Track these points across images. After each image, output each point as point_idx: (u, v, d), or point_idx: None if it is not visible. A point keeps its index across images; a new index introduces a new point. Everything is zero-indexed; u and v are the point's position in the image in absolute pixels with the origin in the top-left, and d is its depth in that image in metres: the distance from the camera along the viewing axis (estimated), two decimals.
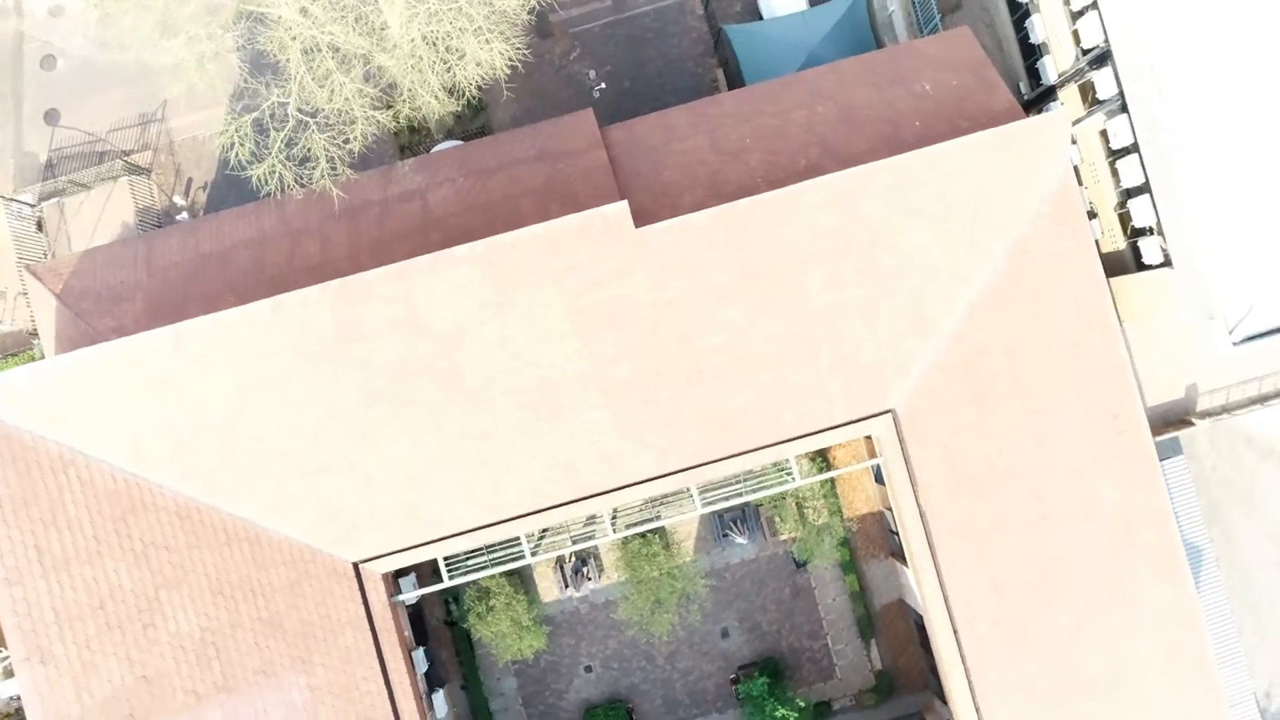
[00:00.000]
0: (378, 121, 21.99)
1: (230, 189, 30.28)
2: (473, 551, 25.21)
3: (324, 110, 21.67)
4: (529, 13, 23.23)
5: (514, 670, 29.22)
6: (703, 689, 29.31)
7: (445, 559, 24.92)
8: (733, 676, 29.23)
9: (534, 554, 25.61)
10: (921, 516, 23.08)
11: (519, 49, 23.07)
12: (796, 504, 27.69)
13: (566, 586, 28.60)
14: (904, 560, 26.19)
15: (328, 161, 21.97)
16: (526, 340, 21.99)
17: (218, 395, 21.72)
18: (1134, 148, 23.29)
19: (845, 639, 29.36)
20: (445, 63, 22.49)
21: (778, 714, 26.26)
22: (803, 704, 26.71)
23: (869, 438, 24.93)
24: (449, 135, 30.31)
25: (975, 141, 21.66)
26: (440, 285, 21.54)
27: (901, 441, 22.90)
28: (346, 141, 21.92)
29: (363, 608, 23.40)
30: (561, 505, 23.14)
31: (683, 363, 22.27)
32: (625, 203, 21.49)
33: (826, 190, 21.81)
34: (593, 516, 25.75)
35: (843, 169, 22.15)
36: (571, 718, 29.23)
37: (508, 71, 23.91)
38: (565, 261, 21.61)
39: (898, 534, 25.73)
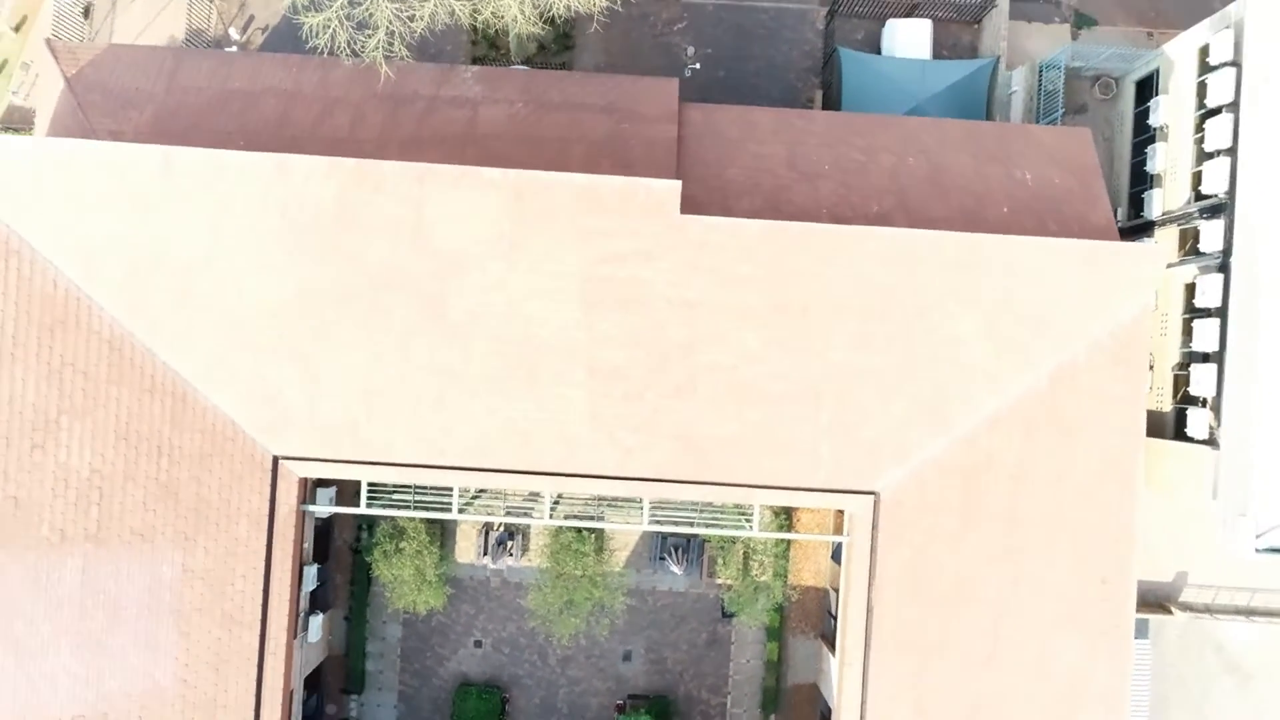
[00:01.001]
0: (453, 10, 20.15)
1: (288, 39, 28.52)
2: (401, 487, 23.50)
3: None
4: None
5: (403, 619, 27.48)
6: (585, 704, 27.59)
7: (370, 485, 23.20)
8: (620, 702, 27.49)
9: (462, 511, 23.89)
10: (868, 611, 21.37)
11: None
12: (745, 553, 25.95)
13: (485, 554, 26.86)
14: (833, 648, 24.47)
15: (388, 34, 20.16)
16: (528, 291, 20.24)
17: (190, 236, 19.98)
18: (1219, 311, 21.50)
19: (746, 705, 27.62)
20: None
21: None
22: None
23: (841, 512, 23.21)
24: (526, 62, 28.56)
25: (1062, 247, 19.89)
26: (458, 202, 19.78)
27: (875, 528, 21.18)
28: (413, 19, 20.10)
29: (268, 504, 21.69)
30: (507, 472, 21.43)
31: (679, 370, 20.53)
32: (679, 184, 19.74)
33: (889, 243, 20.04)
34: (535, 493, 24.02)
35: (913, 228, 20.39)
36: (444, 686, 27.51)
37: (605, 13, 22.14)
38: (596, 223, 19.85)
39: (836, 618, 24.00)
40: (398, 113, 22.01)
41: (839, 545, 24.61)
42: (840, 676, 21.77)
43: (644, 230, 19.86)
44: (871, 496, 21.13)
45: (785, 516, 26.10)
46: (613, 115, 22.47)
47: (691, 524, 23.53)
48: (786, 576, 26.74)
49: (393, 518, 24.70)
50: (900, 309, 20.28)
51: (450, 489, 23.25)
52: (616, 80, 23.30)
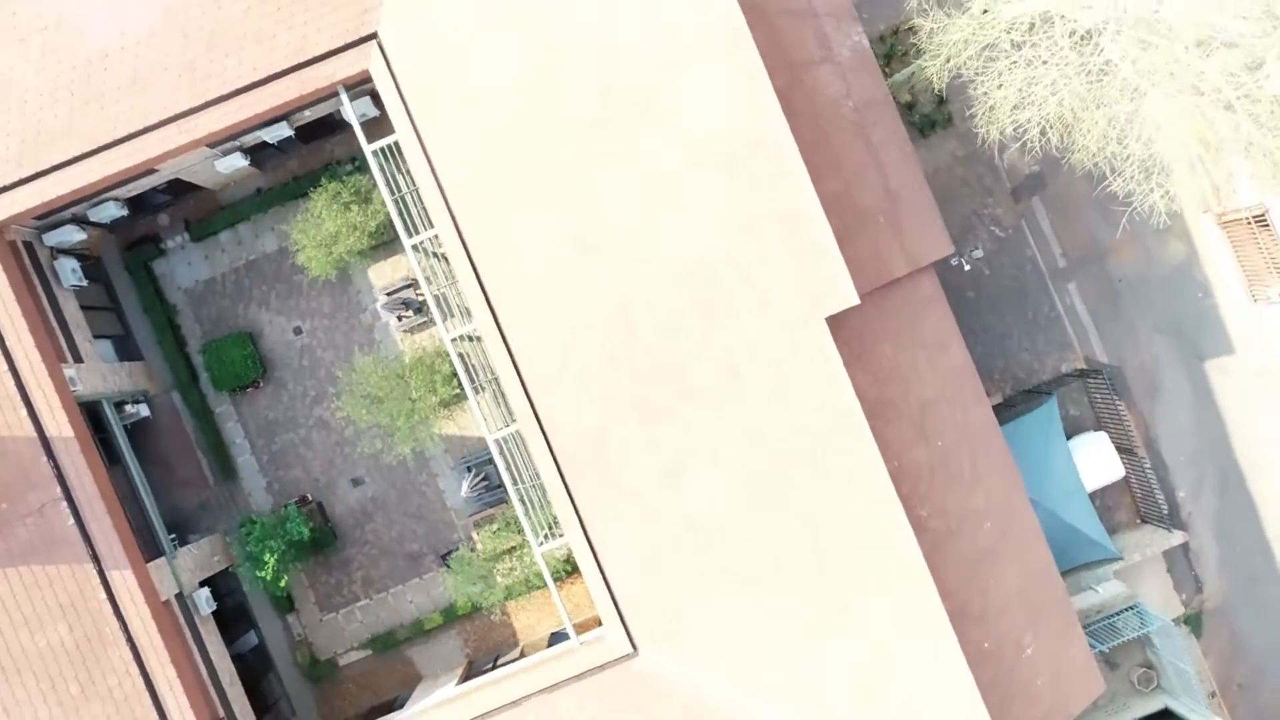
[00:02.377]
0: None
1: None
2: None
3: None
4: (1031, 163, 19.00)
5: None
6: (296, 469, 25.24)
7: None
8: (304, 496, 25.19)
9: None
10: None
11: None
12: (513, 547, 23.63)
13: (388, 298, 24.46)
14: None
15: None
16: None
17: None
18: None
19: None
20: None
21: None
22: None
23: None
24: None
25: None
26: None
27: None
28: None
29: None
30: None
31: None
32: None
33: None
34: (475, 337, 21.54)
35: None
36: (212, 333, 25.03)
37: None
38: None
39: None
40: None
41: (564, 637, 22.31)
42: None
43: None
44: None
45: (571, 569, 23.76)
46: (878, 206, 20.05)
47: (515, 484, 21.12)
48: (507, 598, 24.35)
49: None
50: None
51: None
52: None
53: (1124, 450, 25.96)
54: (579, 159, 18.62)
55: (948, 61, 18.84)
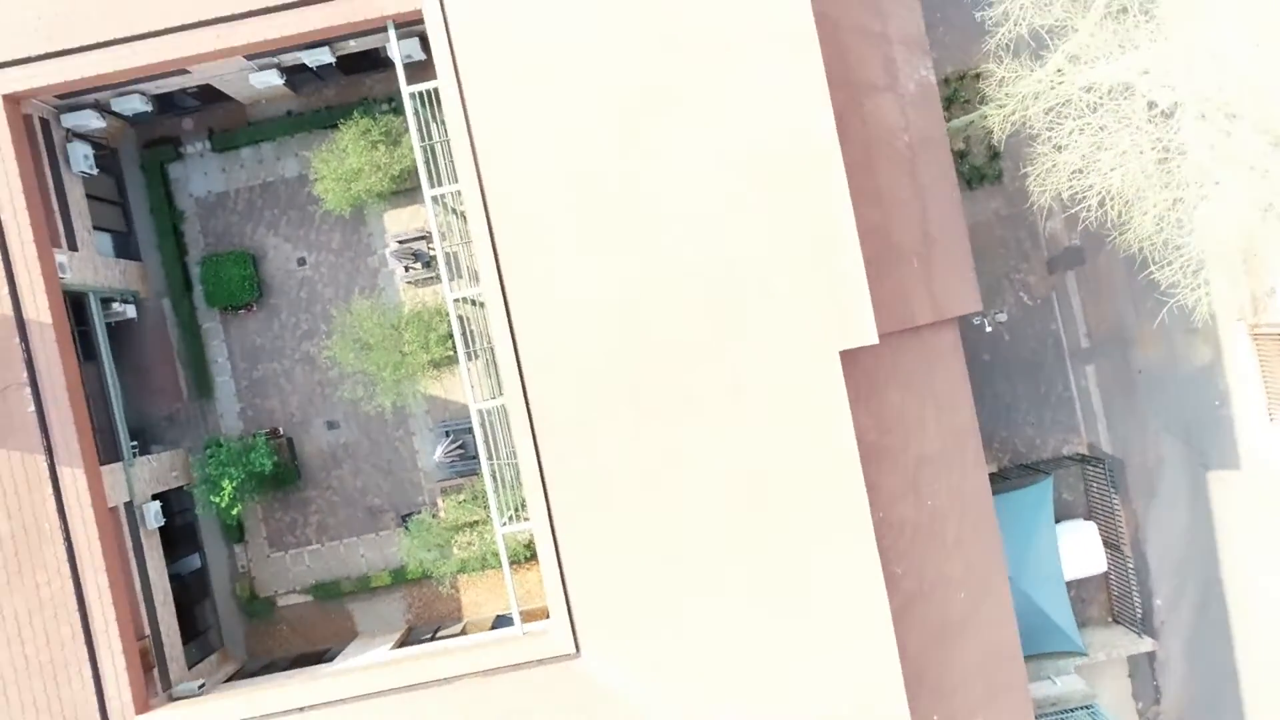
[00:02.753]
0: None
1: None
2: None
3: None
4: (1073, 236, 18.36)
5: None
6: (271, 399, 24.59)
7: None
8: (274, 428, 24.53)
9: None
10: None
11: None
12: (476, 521, 22.96)
13: (399, 245, 23.81)
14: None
15: None
16: None
17: None
18: None
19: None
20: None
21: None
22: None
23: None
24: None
25: None
26: None
27: None
28: None
29: None
30: None
31: None
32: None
33: None
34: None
35: None
36: (215, 247, 24.39)
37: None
38: None
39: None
40: None
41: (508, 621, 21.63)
42: None
43: None
44: None
45: (530, 554, 23.11)
46: (911, 250, 19.38)
47: (490, 458, 20.46)
48: (460, 572, 23.65)
49: None
50: None
51: None
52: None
53: (1110, 545, 25.29)
54: (619, 142, 17.94)
55: (1014, 113, 18.18)
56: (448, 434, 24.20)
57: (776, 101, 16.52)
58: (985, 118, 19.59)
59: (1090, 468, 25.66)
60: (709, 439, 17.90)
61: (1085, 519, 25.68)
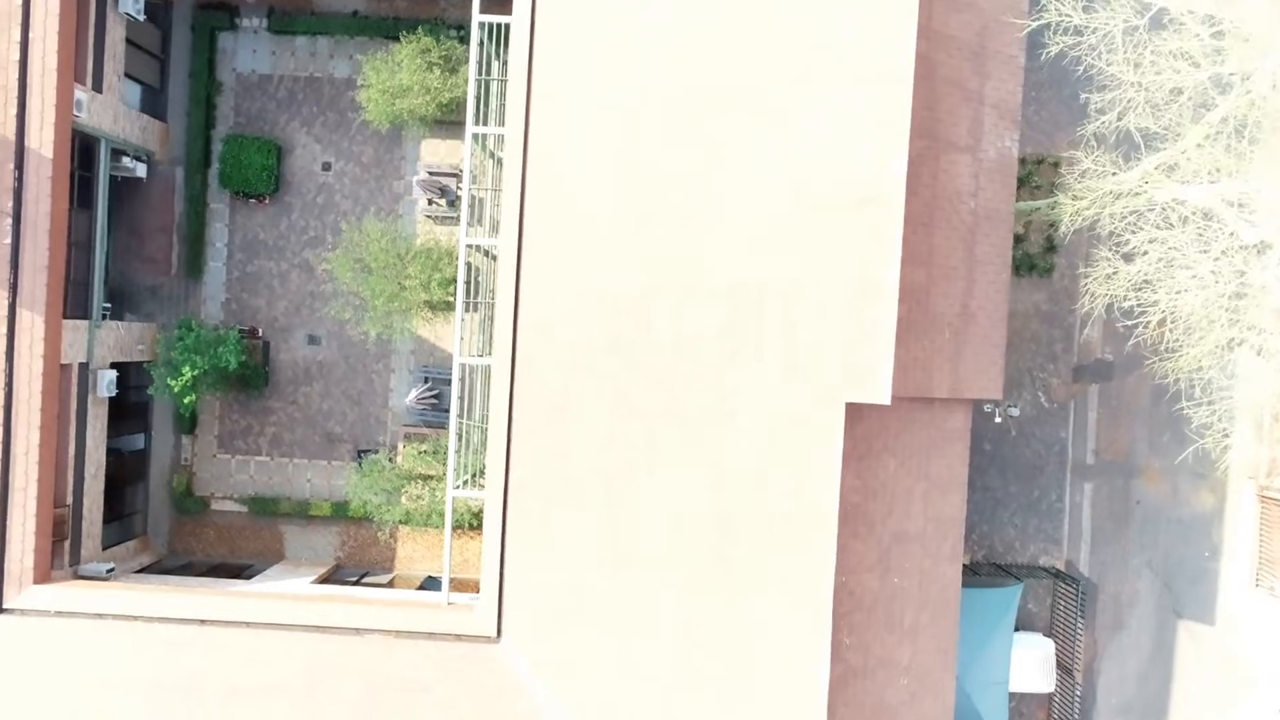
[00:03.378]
0: None
1: None
2: None
3: None
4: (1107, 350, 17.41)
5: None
6: (260, 304, 23.62)
7: None
8: (251, 328, 23.57)
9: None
10: None
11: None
12: (430, 476, 22.01)
13: (423, 179, 22.83)
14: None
15: None
16: None
17: None
18: None
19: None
20: None
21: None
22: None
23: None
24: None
25: None
26: None
27: None
28: None
29: None
30: None
31: None
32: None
33: None
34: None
35: None
36: (243, 128, 23.42)
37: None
38: None
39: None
40: None
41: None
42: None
43: None
44: None
45: (473, 526, 22.16)
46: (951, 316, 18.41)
47: (459, 416, 19.50)
48: (402, 522, 22.70)
49: None
50: None
51: None
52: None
53: (1062, 667, 24.37)
54: (681, 132, 16.92)
55: (1088, 208, 17.20)
56: (425, 379, 23.27)
57: (852, 134, 15.50)
58: (1056, 206, 18.60)
59: (1063, 584, 24.73)
60: (686, 457, 16.94)
61: (1045, 634, 24.76)
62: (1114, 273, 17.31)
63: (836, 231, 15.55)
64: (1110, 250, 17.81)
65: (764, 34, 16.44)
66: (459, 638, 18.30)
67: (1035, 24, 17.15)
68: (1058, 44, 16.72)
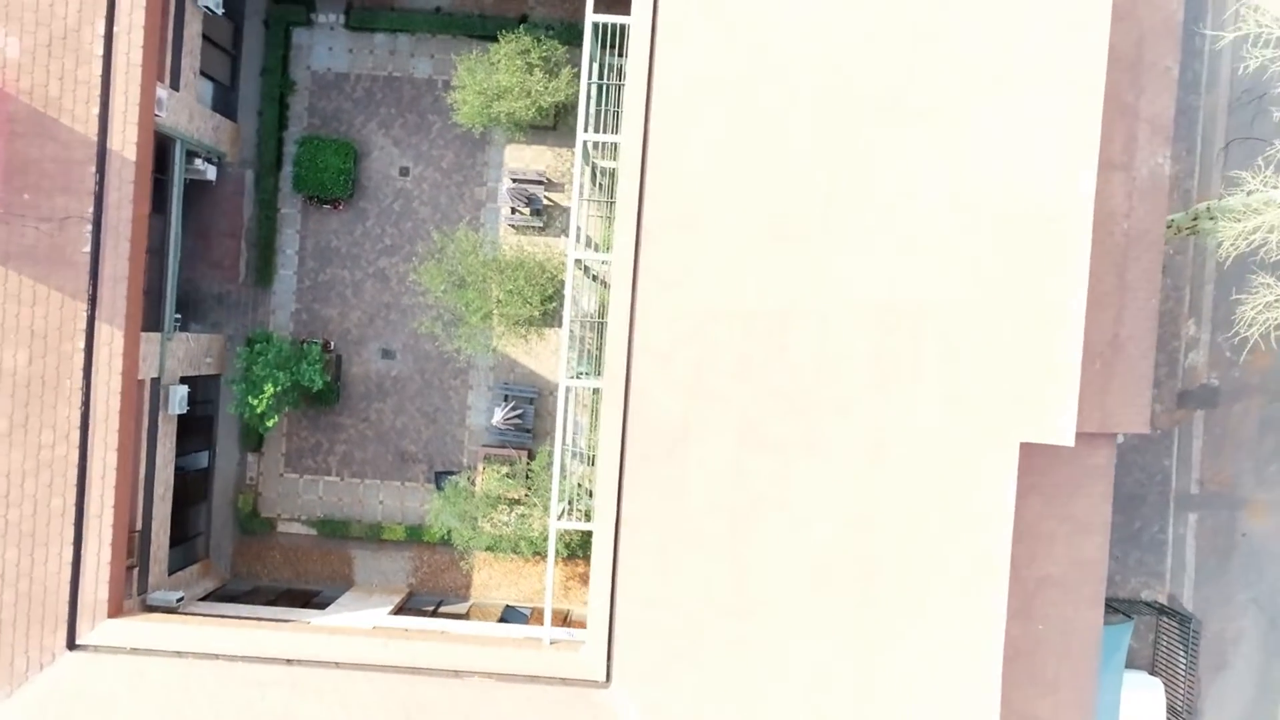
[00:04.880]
0: None
1: None
2: None
3: None
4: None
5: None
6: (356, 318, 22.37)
7: None
8: (326, 341, 22.29)
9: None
10: None
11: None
12: (517, 499, 20.74)
13: (513, 186, 21.58)
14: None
15: None
16: None
17: None
18: None
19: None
20: None
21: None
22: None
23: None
24: None
25: None
26: None
27: None
28: None
29: None
30: None
31: None
32: None
33: None
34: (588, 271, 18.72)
35: None
36: (318, 130, 22.18)
37: None
38: None
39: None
40: None
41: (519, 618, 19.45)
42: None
43: None
44: None
45: (565, 556, 20.85)
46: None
47: (562, 443, 18.26)
48: (486, 549, 21.44)
49: None
50: None
51: None
52: None
53: (1170, 709, 23.20)
54: (831, 144, 15.65)
55: (1253, 232, 16.02)
56: (507, 398, 22.01)
57: (1032, 145, 14.28)
58: (1215, 225, 17.42)
59: (1167, 620, 23.56)
60: (824, 494, 15.69)
61: (1149, 673, 23.58)
62: (1276, 300, 16.16)
63: (1009, 250, 14.32)
64: (1270, 277, 16.63)
65: (933, 36, 15.20)
66: (565, 681, 17.05)
67: (1234, 35, 15.99)
68: (1256, 58, 15.56)
